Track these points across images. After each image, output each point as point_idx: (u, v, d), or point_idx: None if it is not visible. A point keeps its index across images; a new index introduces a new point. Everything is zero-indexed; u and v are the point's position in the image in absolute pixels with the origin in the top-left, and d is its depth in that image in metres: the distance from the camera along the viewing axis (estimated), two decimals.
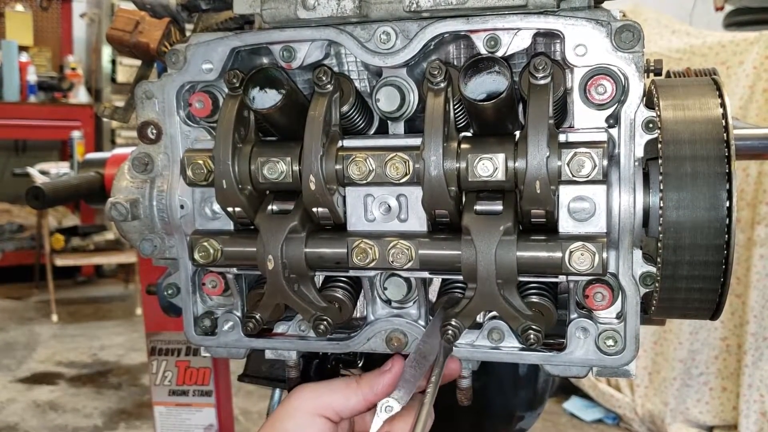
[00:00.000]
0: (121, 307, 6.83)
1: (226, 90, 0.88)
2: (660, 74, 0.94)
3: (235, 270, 0.94)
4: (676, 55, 3.87)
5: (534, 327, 0.83)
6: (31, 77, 7.66)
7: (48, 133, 7.82)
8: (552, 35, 0.84)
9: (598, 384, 4.25)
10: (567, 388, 4.43)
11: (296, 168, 0.86)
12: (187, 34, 1.21)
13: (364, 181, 0.84)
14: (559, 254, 0.79)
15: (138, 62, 1.26)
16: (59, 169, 5.80)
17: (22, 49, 7.80)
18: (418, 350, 0.88)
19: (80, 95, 8.00)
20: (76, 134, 6.51)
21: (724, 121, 0.76)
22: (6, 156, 8.09)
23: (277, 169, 0.86)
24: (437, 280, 0.96)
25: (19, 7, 8.26)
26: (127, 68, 8.04)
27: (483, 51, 0.83)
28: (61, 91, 7.94)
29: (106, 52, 8.04)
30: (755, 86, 3.60)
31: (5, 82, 7.45)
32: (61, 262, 6.55)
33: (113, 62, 8.21)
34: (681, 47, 3.92)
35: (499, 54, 0.83)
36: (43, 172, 5.58)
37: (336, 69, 0.94)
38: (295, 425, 0.88)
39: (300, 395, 0.90)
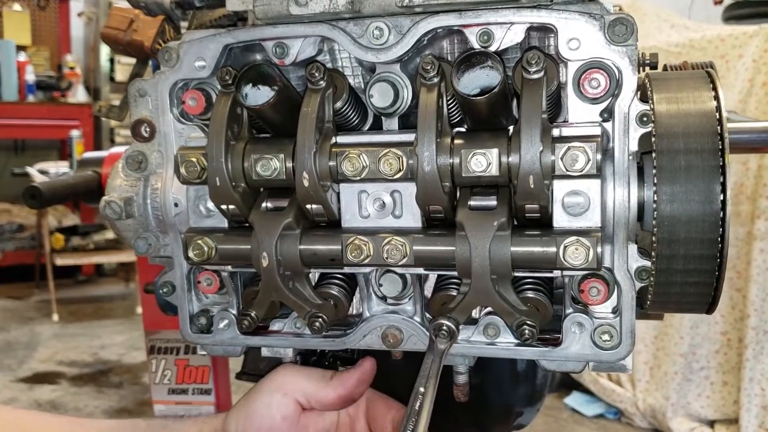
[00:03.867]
0: (122, 306, 6.83)
1: (219, 87, 0.87)
2: (656, 68, 0.94)
3: (229, 268, 0.94)
4: (675, 49, 3.86)
5: (529, 322, 0.83)
6: (30, 77, 7.66)
7: (47, 132, 7.82)
8: (545, 29, 0.84)
9: (599, 379, 4.25)
10: (568, 384, 4.43)
11: (290, 165, 0.85)
12: (182, 31, 1.20)
13: (358, 178, 0.84)
14: (553, 249, 0.79)
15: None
16: (58, 168, 5.80)
17: (20, 48, 7.80)
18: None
19: (79, 94, 7.99)
20: (75, 133, 6.51)
21: (717, 114, 0.76)
22: (5, 156, 8.08)
23: (271, 166, 0.86)
24: (433, 276, 0.96)
25: (17, 7, 8.25)
26: (126, 67, 8.02)
27: (476, 46, 0.83)
28: (59, 90, 7.94)
29: (105, 50, 8.03)
30: (755, 80, 3.59)
31: (3, 81, 7.44)
32: (61, 261, 6.56)
33: (111, 61, 8.20)
34: (680, 41, 3.91)
35: (492, 49, 0.82)
36: (43, 172, 5.57)
37: (329, 65, 0.94)
38: (265, 402, 0.94)
39: (279, 375, 0.96)
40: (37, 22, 8.43)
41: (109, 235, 6.88)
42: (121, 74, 8.12)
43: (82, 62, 8.51)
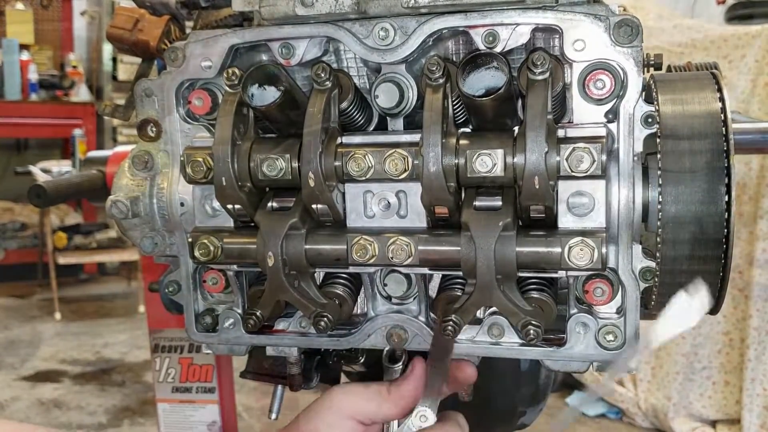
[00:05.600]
0: (124, 305, 6.84)
1: (225, 87, 0.88)
2: (660, 68, 0.94)
3: (235, 267, 0.94)
4: (678, 49, 3.85)
5: (533, 322, 0.83)
6: (32, 75, 7.65)
7: (49, 131, 7.83)
8: (550, 30, 0.84)
9: (600, 379, 4.25)
10: (570, 383, 4.43)
11: (295, 165, 0.86)
12: (187, 31, 1.21)
13: (363, 178, 0.84)
14: (558, 249, 0.79)
15: (139, 60, 1.26)
16: (61, 167, 5.79)
17: (23, 47, 7.79)
18: (431, 358, 0.88)
19: (81, 93, 7.99)
20: (77, 132, 6.50)
21: (722, 115, 0.76)
22: (8, 155, 8.09)
23: (276, 166, 0.86)
24: (437, 276, 0.96)
25: (20, 6, 8.25)
26: (128, 66, 8.03)
27: (481, 47, 0.83)
28: (62, 89, 7.94)
29: (107, 50, 8.03)
30: (757, 80, 3.58)
31: (6, 80, 7.44)
32: (63, 260, 6.56)
33: (114, 60, 8.20)
34: (683, 41, 3.91)
35: (498, 49, 0.83)
36: (45, 171, 5.57)
37: (335, 65, 0.94)
38: (325, 424, 0.91)
39: (336, 396, 0.93)
40: (39, 21, 8.42)
41: (112, 233, 6.88)
42: (124, 73, 8.13)
43: (85, 61, 8.51)
